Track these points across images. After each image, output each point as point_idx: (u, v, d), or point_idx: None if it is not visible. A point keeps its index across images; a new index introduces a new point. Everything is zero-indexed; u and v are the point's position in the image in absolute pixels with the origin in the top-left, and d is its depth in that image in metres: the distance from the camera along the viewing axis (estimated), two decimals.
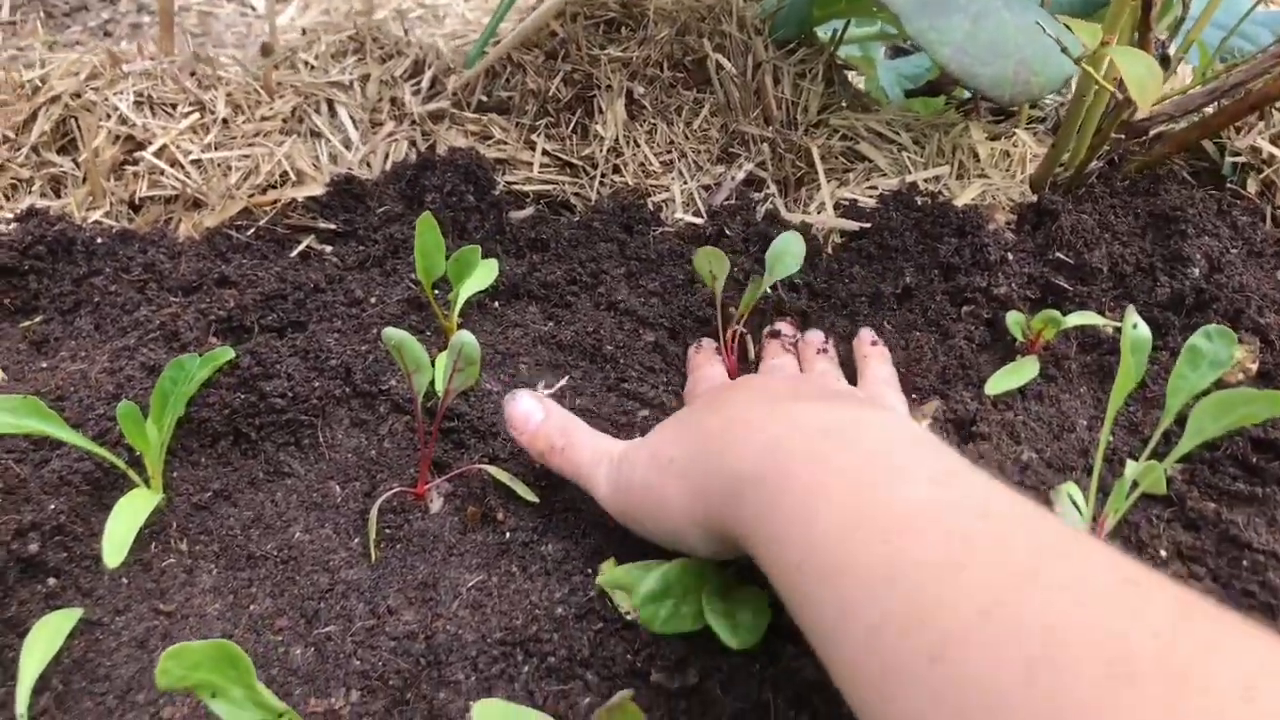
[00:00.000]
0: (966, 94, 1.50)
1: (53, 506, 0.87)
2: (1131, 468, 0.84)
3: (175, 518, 0.92)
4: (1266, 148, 1.17)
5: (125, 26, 2.86)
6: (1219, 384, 1.00)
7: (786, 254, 1.00)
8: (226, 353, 0.91)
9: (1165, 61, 1.10)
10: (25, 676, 0.74)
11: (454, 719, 0.75)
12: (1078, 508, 0.84)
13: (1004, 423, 0.94)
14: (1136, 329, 0.81)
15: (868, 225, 1.16)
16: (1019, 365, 0.97)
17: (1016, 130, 1.31)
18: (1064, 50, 0.96)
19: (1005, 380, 0.96)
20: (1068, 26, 0.97)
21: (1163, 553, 0.86)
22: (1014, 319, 0.99)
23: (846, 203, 1.21)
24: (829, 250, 1.18)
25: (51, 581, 0.85)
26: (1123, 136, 1.18)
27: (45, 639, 0.77)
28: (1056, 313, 0.96)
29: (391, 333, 0.86)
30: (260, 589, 0.87)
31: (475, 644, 0.81)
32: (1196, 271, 1.07)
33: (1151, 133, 1.17)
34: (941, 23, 1.05)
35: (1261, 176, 1.17)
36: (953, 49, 1.04)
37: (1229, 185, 1.19)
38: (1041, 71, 1.06)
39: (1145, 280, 1.09)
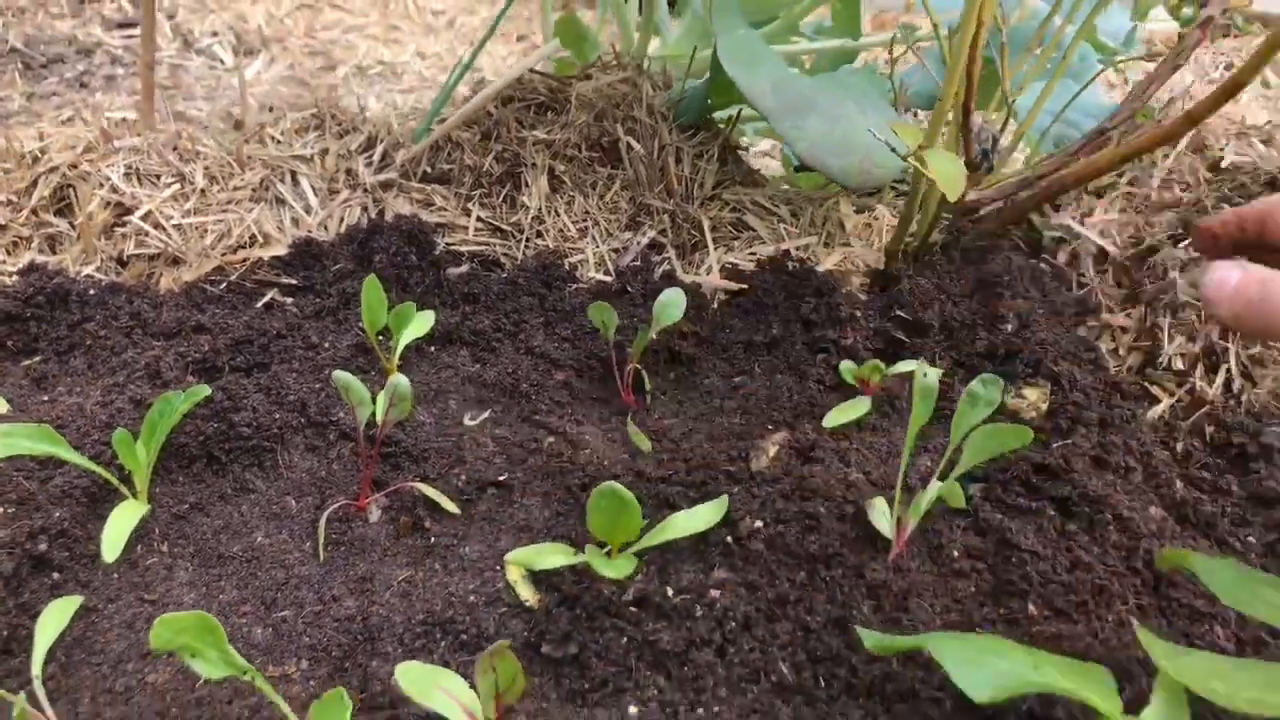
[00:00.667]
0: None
1: (58, 514, 1.07)
2: (934, 486, 1.06)
3: (158, 525, 1.12)
4: (1075, 226, 1.42)
5: (100, 78, 3.06)
6: (1013, 418, 1.24)
7: (670, 305, 1.23)
8: (204, 390, 1.11)
9: (987, 156, 1.35)
10: (39, 647, 0.93)
11: (384, 680, 0.95)
12: (884, 517, 1.07)
13: (838, 450, 1.17)
14: (926, 377, 1.04)
15: (745, 286, 1.39)
16: (853, 404, 1.20)
17: (879, 205, 1.55)
18: (893, 150, 1.20)
19: (840, 415, 1.18)
20: (895, 130, 1.21)
21: (955, 552, 1.08)
22: (845, 367, 1.22)
23: (730, 266, 1.44)
24: (714, 305, 1.41)
25: (56, 575, 1.05)
26: (957, 215, 1.42)
27: (54, 619, 0.96)
28: (879, 362, 1.19)
29: (339, 375, 1.07)
30: (228, 582, 1.07)
31: (402, 624, 1.01)
32: (1009, 328, 1.31)
33: (981, 211, 1.42)
34: (801, 123, 1.29)
35: (1069, 248, 1.42)
36: (809, 144, 1.28)
37: (1043, 256, 1.44)
38: (883, 164, 1.30)
39: (969, 334, 1.33)
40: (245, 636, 1.01)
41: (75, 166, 1.44)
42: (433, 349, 1.38)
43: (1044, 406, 1.23)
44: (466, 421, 1.27)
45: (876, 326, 1.34)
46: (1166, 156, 1.44)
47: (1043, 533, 1.10)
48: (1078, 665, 0.74)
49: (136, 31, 3.27)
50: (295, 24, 3.21)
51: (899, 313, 1.34)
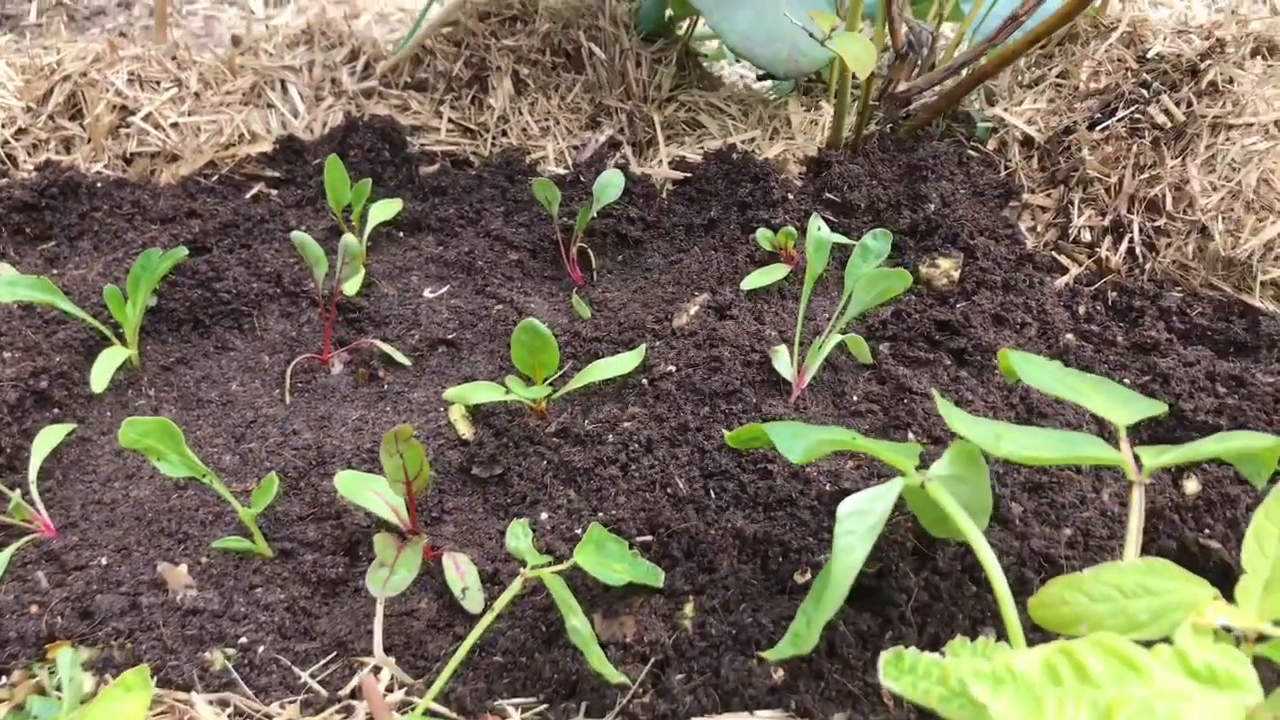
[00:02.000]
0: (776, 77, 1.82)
1: (58, 359, 1.22)
2: (832, 334, 1.16)
3: (146, 375, 1.27)
4: (1004, 115, 1.49)
5: (139, 29, 3.23)
6: (927, 285, 1.33)
7: (609, 185, 1.34)
8: (183, 251, 1.24)
9: (914, 46, 1.43)
10: (34, 460, 1.08)
11: (330, 494, 1.08)
12: (786, 362, 1.17)
13: (753, 309, 1.27)
14: (820, 231, 1.14)
15: (690, 175, 1.50)
16: (770, 269, 1.30)
17: (824, 103, 1.64)
18: (811, 35, 1.29)
19: (757, 279, 1.29)
20: (812, 16, 1.30)
21: (855, 397, 1.18)
22: (762, 234, 1.32)
23: (679, 159, 1.54)
24: (663, 195, 1.52)
25: (56, 410, 1.20)
26: (892, 105, 1.51)
27: (48, 440, 1.11)
28: (793, 229, 1.29)
29: (297, 235, 1.20)
30: (205, 421, 1.21)
31: (352, 452, 1.15)
32: (931, 207, 1.40)
33: (914, 104, 1.50)
34: (732, 15, 1.39)
35: (998, 136, 1.50)
36: (739, 36, 1.38)
37: (974, 143, 1.51)
38: (809, 53, 1.39)
39: (893, 213, 1.42)
40: (216, 462, 1.15)
41: (85, 75, 1.58)
42: (401, 234, 1.51)
43: (956, 275, 1.32)
44: (426, 294, 1.40)
45: (808, 208, 1.43)
46: (1097, 49, 1.51)
47: (936, 379, 1.19)
48: (895, 444, 0.85)
49: None
50: None
51: (829, 195, 1.44)
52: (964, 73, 1.44)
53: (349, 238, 1.19)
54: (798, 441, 0.81)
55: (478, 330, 1.33)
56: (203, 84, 1.59)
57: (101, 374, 1.17)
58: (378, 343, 1.28)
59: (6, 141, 1.57)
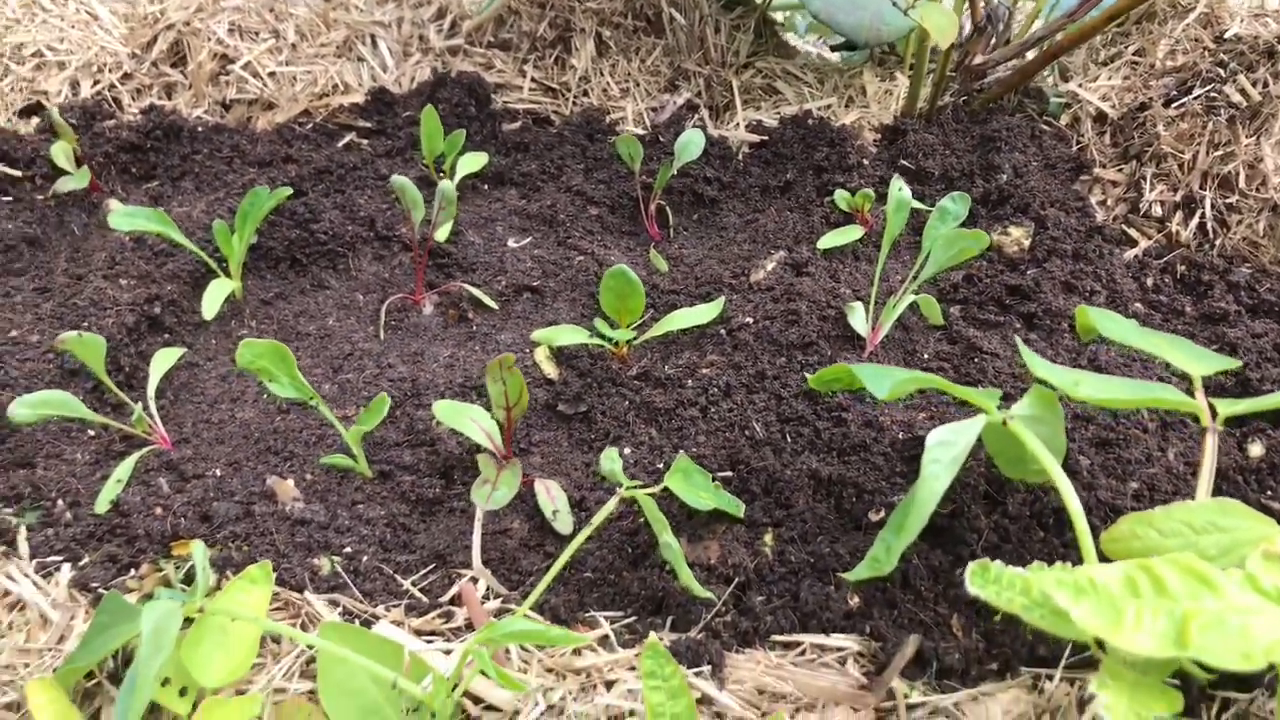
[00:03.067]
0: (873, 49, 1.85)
1: (170, 288, 1.29)
2: (907, 293, 1.20)
3: (248, 307, 1.34)
4: (1079, 91, 1.52)
5: None
6: (998, 252, 1.37)
7: (690, 144, 1.38)
8: (287, 190, 1.31)
9: (992, 20, 1.46)
10: (153, 378, 1.15)
11: (425, 423, 1.15)
12: (861, 318, 1.22)
13: (829, 268, 1.32)
14: (901, 192, 1.18)
15: (766, 138, 1.54)
16: (846, 230, 1.35)
17: (899, 74, 1.67)
18: (895, 4, 1.33)
19: (833, 239, 1.33)
20: None
21: (925, 354, 1.23)
22: (840, 195, 1.37)
23: (756, 122, 1.59)
24: (739, 157, 1.56)
25: (167, 335, 1.28)
26: (967, 78, 1.54)
27: (163, 361, 1.18)
28: (870, 191, 1.33)
29: (396, 179, 1.26)
30: (304, 352, 1.28)
31: (444, 385, 1.21)
32: (1004, 177, 1.43)
33: (989, 77, 1.53)
34: None
35: (1071, 111, 1.52)
36: (823, 3, 1.42)
37: (1046, 118, 1.54)
38: (891, 22, 1.43)
39: (966, 182, 1.45)
40: (316, 390, 1.22)
41: (188, 24, 1.66)
42: (485, 187, 1.56)
43: (1026, 243, 1.36)
44: (510, 244, 1.46)
45: (882, 174, 1.47)
46: (1174, 29, 1.53)
47: (1005, 340, 1.23)
48: (975, 389, 0.89)
49: None
50: None
51: (903, 162, 1.47)
52: (1039, 49, 1.47)
53: (446, 184, 1.25)
54: (884, 380, 0.86)
55: (560, 279, 1.39)
56: (299, 35, 1.66)
57: (212, 303, 1.24)
58: (467, 286, 1.34)
59: (113, 85, 1.64)
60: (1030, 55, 1.47)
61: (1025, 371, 1.16)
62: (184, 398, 1.21)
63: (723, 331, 1.24)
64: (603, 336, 1.21)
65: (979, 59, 1.49)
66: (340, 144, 1.58)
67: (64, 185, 1.42)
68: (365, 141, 1.59)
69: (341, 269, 1.40)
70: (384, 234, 1.43)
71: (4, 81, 1.59)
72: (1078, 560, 0.76)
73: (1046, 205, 1.39)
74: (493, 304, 1.33)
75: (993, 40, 1.49)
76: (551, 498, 1.04)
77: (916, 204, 1.32)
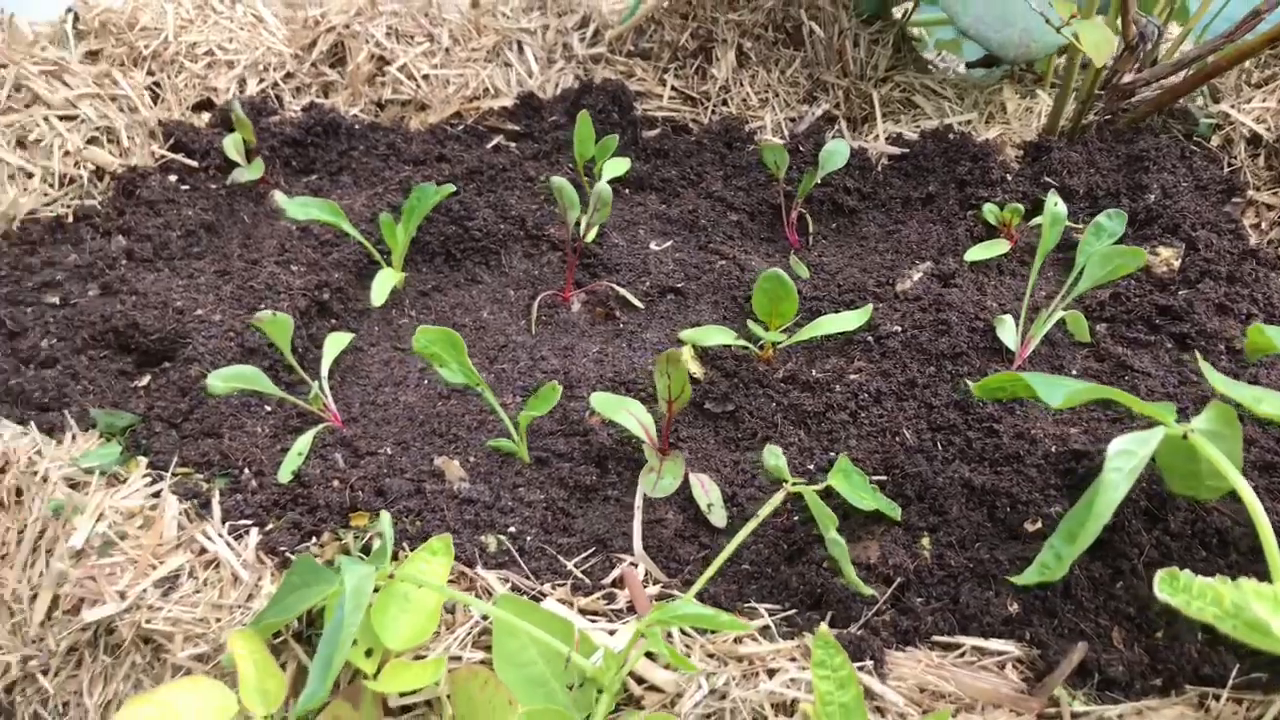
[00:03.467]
0: (1010, 66, 1.85)
1: (337, 275, 1.36)
2: (1058, 308, 1.21)
3: (407, 298, 1.41)
4: (1231, 112, 1.50)
5: None
6: (1147, 272, 1.36)
7: (835, 153, 1.41)
8: (450, 188, 1.37)
9: (1144, 39, 1.45)
10: (325, 359, 1.22)
11: (579, 414, 1.19)
12: (1010, 331, 1.22)
13: (975, 281, 1.33)
14: (1056, 207, 1.19)
15: (907, 150, 1.56)
16: (991, 244, 1.35)
17: (1040, 91, 1.67)
18: (1047, 21, 1.33)
19: (979, 252, 1.34)
20: (1052, 3, 1.34)
21: (1073, 370, 1.23)
22: (989, 209, 1.37)
23: (895, 135, 1.60)
24: (878, 168, 1.58)
25: (333, 320, 1.35)
26: (1114, 96, 1.53)
27: (335, 343, 1.25)
28: (1020, 206, 1.34)
29: (555, 180, 1.31)
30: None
31: (595, 379, 1.25)
32: (1151, 197, 1.42)
33: (1136, 96, 1.51)
34: (966, 0, 1.44)
35: (1223, 133, 1.50)
36: (972, 18, 1.43)
37: (1196, 139, 1.52)
38: (1040, 39, 1.43)
39: (1111, 201, 1.45)
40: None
41: (348, 27, 1.74)
42: (627, 191, 1.61)
43: (1176, 264, 1.35)
44: (652, 246, 1.50)
45: (1026, 190, 1.47)
46: None
47: (1157, 360, 1.23)
48: (1151, 403, 0.90)
49: None
50: None
51: (1047, 179, 1.47)
52: (1191, 69, 1.46)
53: (604, 186, 1.29)
54: (1058, 389, 0.87)
55: (702, 281, 1.42)
56: (452, 40, 1.73)
57: (380, 291, 1.31)
58: (614, 285, 1.39)
59: (276, 84, 1.74)
60: (1180, 76, 1.45)
61: (1179, 391, 1.16)
62: (350, 380, 1.28)
63: (870, 339, 1.26)
64: (748, 338, 1.24)
65: (1128, 77, 1.48)
66: (489, 145, 1.65)
67: (240, 176, 1.50)
68: (513, 144, 1.65)
69: (493, 265, 1.46)
70: (533, 233, 1.48)
71: (179, 78, 1.69)
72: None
73: (1197, 226, 1.38)
74: (639, 303, 1.37)
75: (1140, 59, 1.48)
76: (706, 491, 1.07)
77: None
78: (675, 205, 1.56)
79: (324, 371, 1.21)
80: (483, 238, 1.46)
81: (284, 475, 1.08)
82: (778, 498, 0.94)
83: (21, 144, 1.46)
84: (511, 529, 1.05)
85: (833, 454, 1.12)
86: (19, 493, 1.08)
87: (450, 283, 1.44)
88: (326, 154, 1.64)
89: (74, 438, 1.12)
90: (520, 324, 1.37)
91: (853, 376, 1.21)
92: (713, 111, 1.71)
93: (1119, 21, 1.43)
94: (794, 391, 1.20)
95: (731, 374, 1.24)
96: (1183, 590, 0.70)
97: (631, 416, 1.10)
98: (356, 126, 1.66)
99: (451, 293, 1.42)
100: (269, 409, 1.20)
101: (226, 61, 1.74)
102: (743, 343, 1.23)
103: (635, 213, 1.56)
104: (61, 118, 1.50)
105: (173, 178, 1.54)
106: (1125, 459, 0.79)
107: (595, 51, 1.78)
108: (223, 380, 1.09)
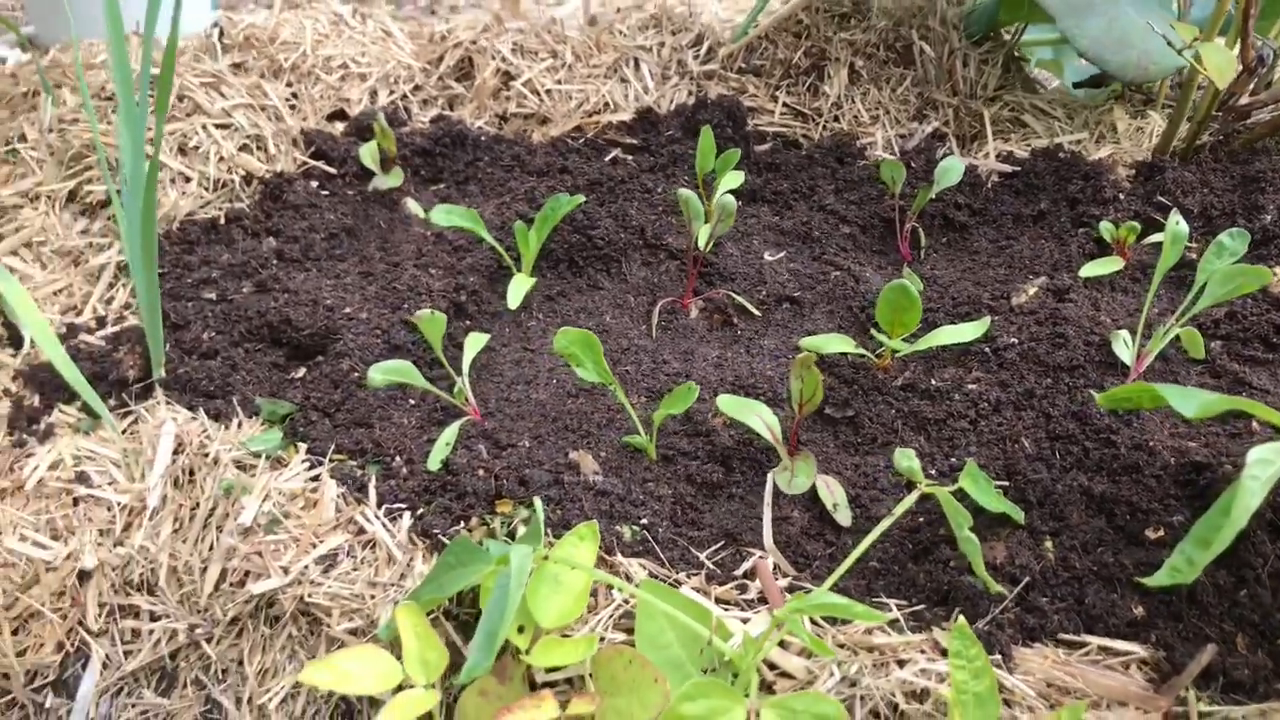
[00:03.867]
0: (1119, 86, 1.87)
1: (472, 279, 1.44)
2: (1175, 324, 1.23)
3: (535, 301, 1.48)
4: None
5: (445, 7, 3.58)
6: (1264, 291, 1.37)
7: (950, 170, 1.45)
8: (580, 199, 1.44)
9: (1262, 61, 1.46)
10: (467, 357, 1.29)
11: (704, 416, 1.25)
12: (1126, 346, 1.25)
13: (1090, 297, 1.36)
14: (1178, 225, 1.21)
15: (1018, 168, 1.59)
16: (1106, 261, 1.38)
17: (1151, 112, 1.69)
18: (1169, 43, 1.36)
19: (1094, 269, 1.37)
20: (1173, 26, 1.36)
21: (1188, 386, 1.25)
22: (1105, 226, 1.40)
23: (1005, 153, 1.64)
24: (989, 185, 1.61)
25: (468, 322, 1.43)
26: (1229, 118, 1.54)
27: (474, 344, 1.32)
28: (1136, 224, 1.36)
29: (682, 191, 1.38)
30: None
31: (716, 383, 1.31)
32: (1268, 218, 1.43)
33: (1252, 117, 1.53)
34: (1084, 22, 1.47)
35: None
36: (1090, 40, 1.46)
37: None
38: (1159, 61, 1.45)
39: (1226, 221, 1.46)
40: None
41: (475, 43, 1.83)
42: (740, 203, 1.67)
43: None
44: (766, 257, 1.55)
45: (1138, 209, 1.49)
46: None
47: (1276, 378, 1.24)
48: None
49: None
50: None
51: (1160, 198, 1.49)
52: None
53: (727, 198, 1.35)
54: (1190, 400, 0.90)
55: (817, 291, 1.47)
56: (574, 56, 1.81)
57: (515, 295, 1.38)
58: (731, 293, 1.44)
59: (405, 96, 1.83)
60: None
61: None
62: (485, 377, 1.35)
63: (987, 350, 1.29)
64: (866, 347, 1.29)
65: (1245, 100, 1.49)
66: (608, 158, 1.72)
67: (380, 184, 1.60)
68: (630, 157, 1.72)
69: (614, 272, 1.53)
70: (652, 242, 1.55)
71: (314, 89, 1.80)
72: None
73: None
74: (755, 311, 1.43)
75: (1257, 81, 1.49)
76: (831, 491, 1.12)
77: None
78: (788, 218, 1.61)
79: (465, 367, 1.28)
80: (605, 246, 1.53)
81: (433, 463, 1.16)
82: (912, 497, 0.98)
83: (183, 150, 1.57)
84: (644, 520, 1.11)
85: (953, 459, 1.16)
86: (191, 473, 1.18)
87: (574, 288, 1.51)
88: (454, 164, 1.73)
89: (240, 424, 1.21)
90: (641, 329, 1.44)
91: (971, 386, 1.25)
92: (824, 127, 1.76)
93: (1238, 44, 1.44)
94: (913, 399, 1.24)
95: (850, 381, 1.29)
96: None
97: (759, 419, 1.16)
98: (482, 138, 1.75)
99: (575, 298, 1.49)
100: (413, 402, 1.29)
101: (359, 74, 1.84)
102: (861, 351, 1.28)
103: (749, 224, 1.61)
104: (218, 126, 1.61)
105: (314, 183, 1.64)
106: (1263, 467, 0.82)
107: (709, 68, 1.85)
108: (380, 374, 1.17)
